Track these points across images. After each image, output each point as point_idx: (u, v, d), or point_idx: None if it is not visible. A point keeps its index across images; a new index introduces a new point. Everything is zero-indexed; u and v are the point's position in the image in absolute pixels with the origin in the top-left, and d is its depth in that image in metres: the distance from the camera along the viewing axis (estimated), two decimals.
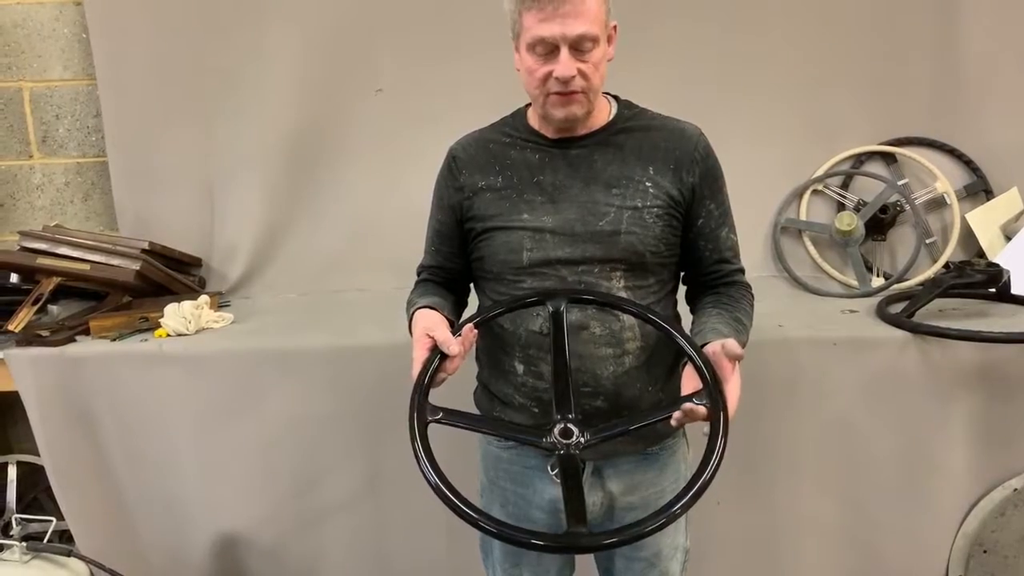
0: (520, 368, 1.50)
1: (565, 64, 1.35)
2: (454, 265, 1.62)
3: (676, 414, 1.24)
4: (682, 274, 1.59)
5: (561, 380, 1.34)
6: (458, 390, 1.62)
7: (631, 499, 1.54)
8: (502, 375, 1.54)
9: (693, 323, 1.49)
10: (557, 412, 1.30)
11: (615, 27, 1.43)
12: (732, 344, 1.29)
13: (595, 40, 1.36)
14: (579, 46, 1.35)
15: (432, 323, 1.39)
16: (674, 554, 1.61)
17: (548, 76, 1.38)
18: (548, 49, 1.36)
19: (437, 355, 1.34)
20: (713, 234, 1.51)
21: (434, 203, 1.62)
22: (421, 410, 1.26)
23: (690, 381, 1.31)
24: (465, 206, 1.53)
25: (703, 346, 1.35)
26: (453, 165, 1.56)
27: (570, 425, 1.27)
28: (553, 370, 1.35)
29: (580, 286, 1.44)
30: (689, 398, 1.25)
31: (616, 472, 1.53)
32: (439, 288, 1.61)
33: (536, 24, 1.34)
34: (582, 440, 1.25)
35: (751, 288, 1.56)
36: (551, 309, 1.38)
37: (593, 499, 1.53)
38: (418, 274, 1.67)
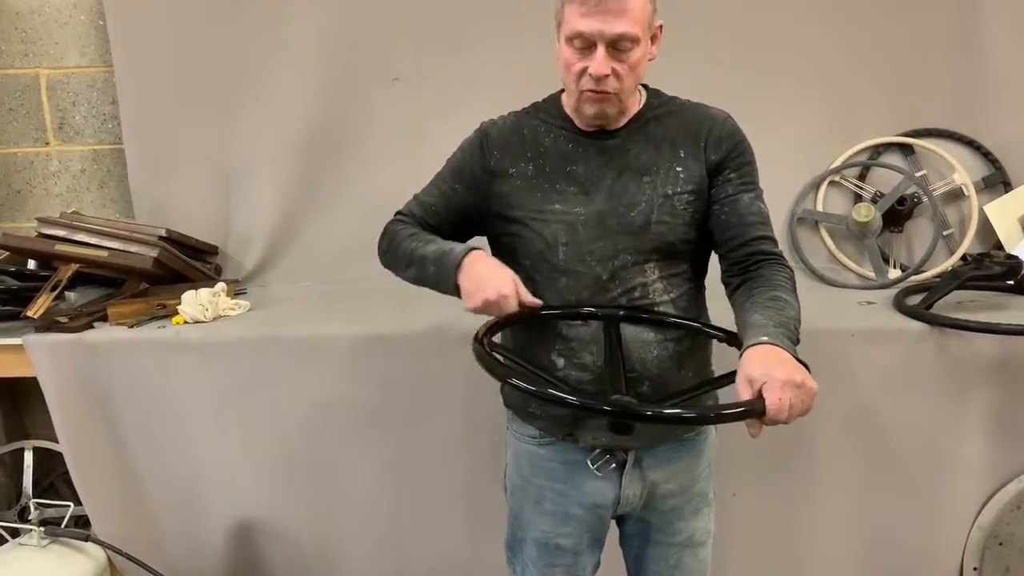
0: (560, 362, 1.47)
1: (600, 63, 1.34)
2: (444, 236, 1.53)
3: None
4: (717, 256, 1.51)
5: (613, 364, 1.35)
6: (486, 387, 1.58)
7: (670, 486, 1.54)
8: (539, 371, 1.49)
9: (737, 320, 1.38)
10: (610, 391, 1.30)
11: (660, 26, 1.41)
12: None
13: (635, 41, 1.34)
14: (617, 45, 1.33)
15: (511, 276, 1.39)
16: (707, 539, 1.62)
17: (583, 72, 1.36)
18: (586, 44, 1.34)
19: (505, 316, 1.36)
20: (730, 199, 1.44)
21: (452, 169, 1.56)
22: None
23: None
24: (493, 190, 1.50)
25: (756, 344, 1.23)
26: (485, 142, 1.52)
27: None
28: (605, 357, 1.36)
29: (615, 283, 1.44)
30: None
31: (656, 461, 1.52)
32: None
33: (576, 18, 1.33)
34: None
35: (784, 262, 1.44)
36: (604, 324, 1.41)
37: (633, 490, 1.53)
38: (403, 217, 1.57)
